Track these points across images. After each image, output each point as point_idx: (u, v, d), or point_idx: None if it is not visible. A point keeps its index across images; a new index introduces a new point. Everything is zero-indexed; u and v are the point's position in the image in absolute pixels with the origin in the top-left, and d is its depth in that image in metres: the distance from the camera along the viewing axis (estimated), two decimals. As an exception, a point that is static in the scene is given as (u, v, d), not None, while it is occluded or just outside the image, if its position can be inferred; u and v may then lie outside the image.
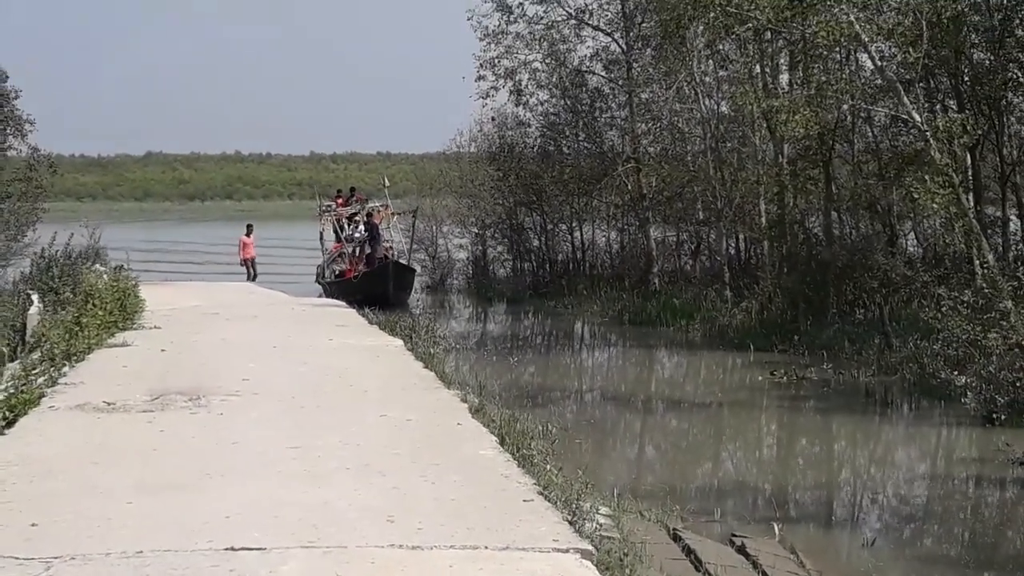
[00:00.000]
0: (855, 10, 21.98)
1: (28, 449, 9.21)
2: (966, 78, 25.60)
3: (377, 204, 38.05)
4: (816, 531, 13.33)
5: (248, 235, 37.70)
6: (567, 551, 6.78)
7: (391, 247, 35.84)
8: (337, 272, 34.76)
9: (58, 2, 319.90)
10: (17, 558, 6.45)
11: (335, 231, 37.42)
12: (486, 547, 6.77)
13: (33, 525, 7.08)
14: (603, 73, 38.36)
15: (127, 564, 6.40)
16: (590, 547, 6.94)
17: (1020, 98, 25.66)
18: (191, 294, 25.18)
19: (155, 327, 17.94)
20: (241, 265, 37.44)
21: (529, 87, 38.72)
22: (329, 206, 38.85)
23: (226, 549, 6.63)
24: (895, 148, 28.81)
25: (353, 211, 37.05)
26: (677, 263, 37.15)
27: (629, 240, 39.60)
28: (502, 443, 9.77)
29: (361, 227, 35.15)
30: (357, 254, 34.74)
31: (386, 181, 40.70)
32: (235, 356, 14.85)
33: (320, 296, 32.95)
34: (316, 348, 15.89)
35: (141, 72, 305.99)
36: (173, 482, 8.20)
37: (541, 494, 8.03)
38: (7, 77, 30.70)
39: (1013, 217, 26.55)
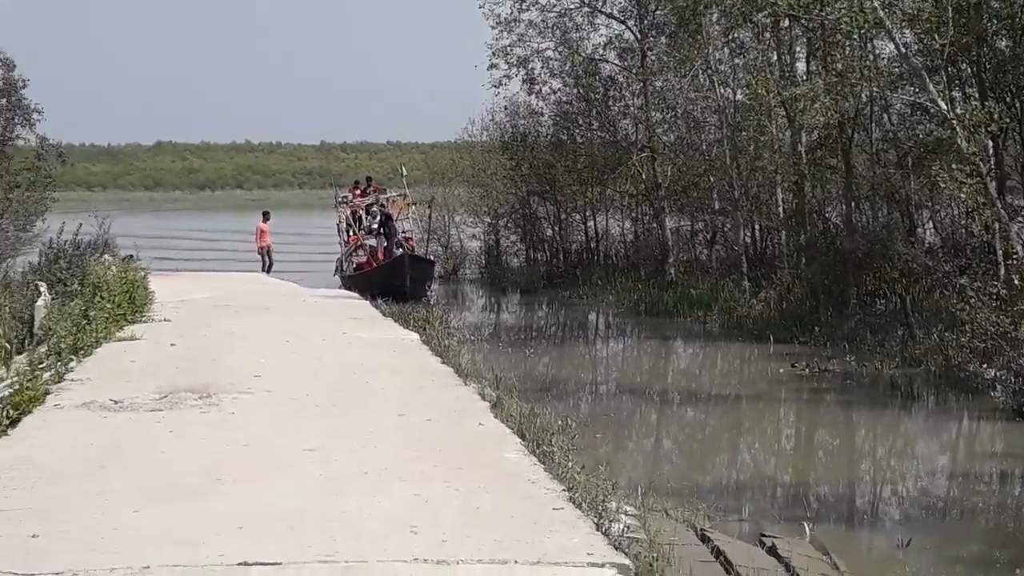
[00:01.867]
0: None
1: (31, 452, 8.81)
2: (988, 66, 25.14)
3: (394, 194, 37.39)
4: (846, 530, 13.01)
5: (265, 222, 37.10)
6: (603, 566, 6.37)
7: (410, 238, 35.25)
8: (356, 265, 34.20)
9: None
10: (15, 574, 6.05)
11: (351, 223, 36.71)
12: (516, 561, 6.36)
13: (34, 537, 6.68)
14: (617, 61, 37.98)
15: (134, 581, 6.01)
16: (627, 561, 6.52)
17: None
18: (202, 285, 24.79)
19: (165, 319, 17.58)
20: (257, 254, 36.85)
21: (542, 75, 38.42)
22: (345, 197, 37.96)
23: (239, 564, 6.22)
24: (914, 137, 28.41)
25: (370, 202, 36.31)
26: (693, 253, 36.82)
27: (644, 230, 39.28)
28: (522, 440, 9.38)
29: (378, 218, 34.51)
30: (375, 246, 34.09)
31: (403, 170, 39.77)
32: (247, 350, 14.46)
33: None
34: (330, 342, 15.49)
35: (151, 61, 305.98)
36: (183, 488, 7.80)
37: (571, 500, 7.62)
38: (14, 66, 30.43)
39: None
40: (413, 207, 37.80)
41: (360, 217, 36.42)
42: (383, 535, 6.78)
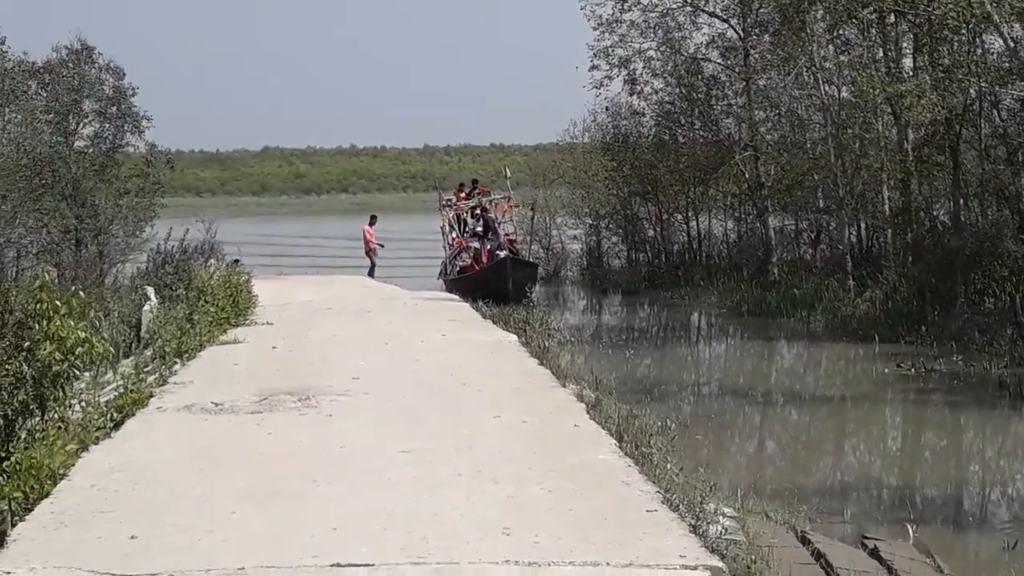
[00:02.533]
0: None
1: (134, 454, 8.95)
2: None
3: (498, 196, 37.20)
4: (951, 533, 12.76)
5: (371, 225, 37.12)
6: (696, 568, 6.30)
7: (514, 240, 35.10)
8: (459, 268, 34.12)
9: (177, 2, 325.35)
10: (114, 575, 6.15)
11: (453, 226, 36.54)
12: (608, 563, 6.32)
13: (132, 538, 6.77)
14: (719, 60, 37.75)
15: (228, 582, 6.08)
16: (720, 564, 6.45)
17: None
18: (305, 288, 25.04)
19: (267, 323, 17.79)
20: (366, 256, 36.83)
21: (644, 76, 38.30)
22: (449, 200, 37.36)
23: (332, 565, 6.26)
24: (1025, 133, 27.81)
25: (473, 204, 36.12)
26: (797, 252, 36.41)
27: (747, 229, 38.94)
28: (620, 443, 9.33)
29: (480, 221, 34.33)
30: (479, 249, 33.88)
31: (507, 172, 39.49)
32: (346, 353, 14.57)
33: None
34: (428, 344, 15.55)
35: (257, 69, 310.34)
36: (279, 490, 7.87)
37: (665, 503, 7.55)
38: (124, 74, 31.05)
39: None
40: (516, 209, 37.66)
41: (464, 220, 36.30)
42: (475, 537, 6.78)
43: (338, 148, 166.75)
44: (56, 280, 23.60)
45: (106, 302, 18.54)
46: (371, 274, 35.09)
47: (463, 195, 37.34)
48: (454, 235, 35.71)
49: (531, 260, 36.07)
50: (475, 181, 39.87)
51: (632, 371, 22.56)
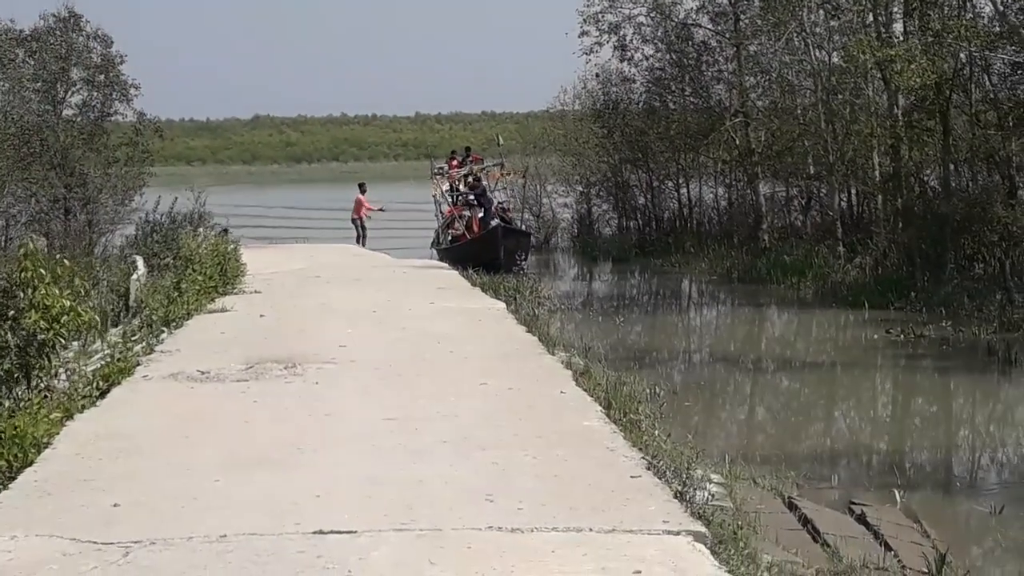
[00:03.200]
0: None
1: (118, 422, 8.93)
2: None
3: (491, 164, 36.87)
4: (939, 498, 12.80)
5: (362, 193, 36.66)
6: (678, 533, 6.29)
7: (508, 209, 34.91)
8: (452, 238, 33.85)
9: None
10: (95, 543, 6.13)
11: (445, 196, 36.04)
12: (591, 529, 6.31)
13: (115, 506, 6.76)
14: (709, 26, 37.62)
15: (209, 549, 6.05)
16: (703, 529, 6.44)
17: None
18: (295, 257, 25.01)
19: (255, 291, 17.74)
20: (351, 223, 36.33)
21: (634, 42, 38.28)
22: (441, 168, 36.82)
23: (314, 532, 6.26)
24: (1015, 97, 27.73)
25: (464, 172, 35.67)
26: (787, 219, 36.36)
27: (737, 196, 38.89)
28: (608, 410, 9.33)
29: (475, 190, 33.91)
30: (471, 217, 33.48)
31: (499, 140, 38.75)
32: (334, 321, 14.55)
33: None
34: (416, 312, 15.52)
35: (247, 36, 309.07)
36: (263, 457, 7.85)
37: (650, 468, 7.55)
38: (112, 42, 30.92)
39: None
40: (509, 177, 37.40)
41: (456, 188, 35.86)
42: (459, 503, 6.77)
43: (329, 116, 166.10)
44: (45, 249, 23.55)
45: (95, 271, 18.51)
46: (363, 243, 34.92)
47: (455, 163, 36.88)
48: (446, 205, 35.40)
49: (524, 229, 35.96)
50: (468, 149, 39.44)
51: (622, 338, 22.56)
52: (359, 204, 36.04)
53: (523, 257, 30.97)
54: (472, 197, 33.07)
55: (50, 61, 29.75)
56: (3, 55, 28.86)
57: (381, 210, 36.43)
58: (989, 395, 18.08)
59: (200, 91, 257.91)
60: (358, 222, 35.90)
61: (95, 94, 30.79)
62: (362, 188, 36.78)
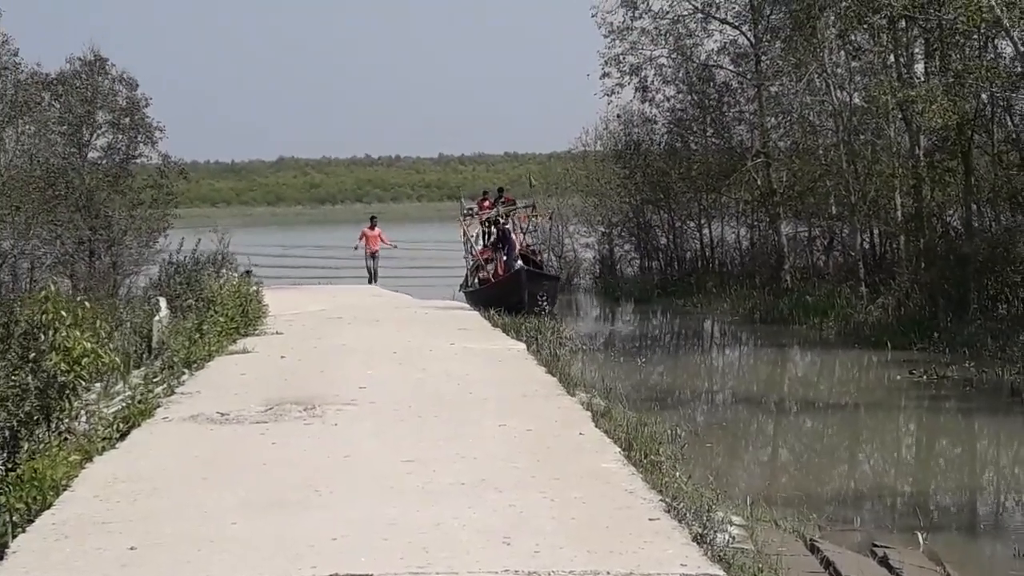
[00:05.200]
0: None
1: (137, 464, 8.96)
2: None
3: (522, 205, 36.18)
4: (962, 540, 12.66)
5: (372, 228, 36.17)
6: (695, 577, 6.27)
7: (537, 251, 34.46)
8: (480, 280, 33.38)
9: (192, 14, 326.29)
10: (111, 586, 6.15)
11: (475, 236, 35.22)
12: (608, 573, 6.30)
13: (132, 549, 6.78)
14: (731, 67, 37.64)
15: (225, 593, 6.06)
16: (721, 573, 6.42)
17: None
18: (316, 298, 25.10)
19: (277, 332, 17.80)
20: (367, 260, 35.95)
21: (655, 83, 38.32)
22: (471, 209, 35.61)
23: None
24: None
25: (495, 214, 34.61)
26: (809, 259, 36.24)
27: (759, 237, 38.78)
28: (628, 451, 9.31)
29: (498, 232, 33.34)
30: (495, 261, 32.80)
31: (531, 181, 38.29)
32: (354, 362, 14.58)
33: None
34: (437, 353, 15.54)
35: (271, 79, 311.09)
36: (280, 500, 7.86)
37: (668, 511, 7.53)
38: (137, 85, 31.12)
39: None
40: (539, 219, 37.01)
41: (488, 231, 34.93)
42: (476, 546, 6.76)
43: (353, 158, 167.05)
44: (70, 291, 23.70)
45: (118, 313, 18.58)
46: (375, 281, 34.70)
47: (487, 204, 35.97)
48: (478, 246, 34.60)
49: (551, 272, 35.52)
50: (501, 190, 37.79)
51: (644, 379, 22.49)
52: (374, 238, 35.53)
53: (545, 299, 30.74)
54: (496, 239, 32.80)
55: (76, 104, 29.94)
56: (29, 99, 29.04)
57: (394, 246, 36.27)
58: (1013, 436, 17.93)
59: (225, 133, 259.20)
60: (373, 260, 35.42)
61: (120, 137, 30.94)
62: (373, 222, 36.27)
